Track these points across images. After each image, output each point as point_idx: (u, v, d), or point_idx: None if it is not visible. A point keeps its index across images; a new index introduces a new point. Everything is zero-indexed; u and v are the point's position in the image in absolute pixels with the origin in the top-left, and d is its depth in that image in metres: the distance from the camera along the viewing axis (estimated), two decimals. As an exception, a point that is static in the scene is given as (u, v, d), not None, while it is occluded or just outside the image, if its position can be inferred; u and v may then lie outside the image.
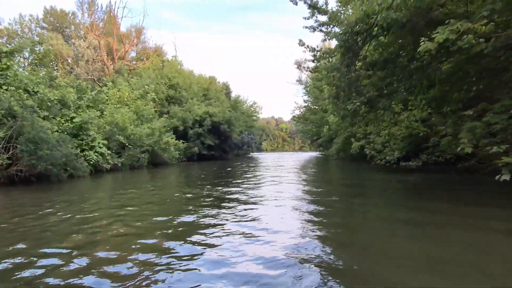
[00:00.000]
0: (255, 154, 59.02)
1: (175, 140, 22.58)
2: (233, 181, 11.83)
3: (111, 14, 39.36)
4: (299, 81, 51.76)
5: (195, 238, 4.27)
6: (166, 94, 31.21)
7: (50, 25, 46.09)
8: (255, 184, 10.59)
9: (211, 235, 4.37)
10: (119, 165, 16.96)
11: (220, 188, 9.61)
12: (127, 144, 18.42)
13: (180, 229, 4.82)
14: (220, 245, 3.94)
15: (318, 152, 60.77)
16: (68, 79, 20.91)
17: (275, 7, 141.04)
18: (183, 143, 22.84)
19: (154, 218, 5.61)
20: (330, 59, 20.78)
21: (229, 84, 52.32)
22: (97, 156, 15.15)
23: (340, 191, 9.14)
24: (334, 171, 18.71)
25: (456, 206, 6.23)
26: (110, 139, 17.22)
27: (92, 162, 14.77)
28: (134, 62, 42.48)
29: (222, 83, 50.95)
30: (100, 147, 15.66)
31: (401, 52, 7.29)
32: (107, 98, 18.99)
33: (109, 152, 16.21)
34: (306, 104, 45.06)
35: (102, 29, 41.92)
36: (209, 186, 10.06)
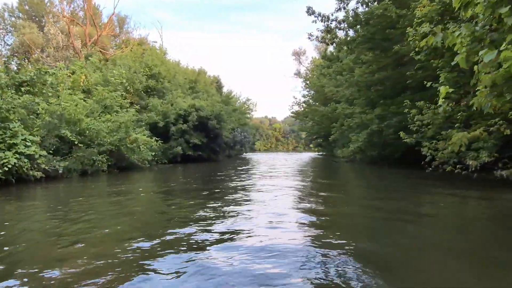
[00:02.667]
0: (248, 155, 53.87)
1: (148, 137, 17.55)
2: (213, 210, 7.08)
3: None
4: (298, 74, 47.20)
5: None
6: (145, 84, 26.00)
7: (25, 14, 41.36)
8: (246, 218, 5.85)
9: None
10: (60, 171, 11.97)
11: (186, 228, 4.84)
12: (76, 143, 13.44)
13: None
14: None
15: (316, 153, 55.80)
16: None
17: (274, 6, 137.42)
18: (157, 141, 17.78)
19: None
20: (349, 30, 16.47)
21: (221, 78, 47.34)
22: (18, 159, 10.17)
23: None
24: (369, 187, 14.00)
25: None
26: (49, 134, 12.26)
27: (8, 168, 9.80)
28: (112, 51, 37.29)
29: (213, 76, 45.92)
30: (27, 146, 10.67)
31: None
32: (50, 81, 13.89)
33: (43, 153, 11.24)
34: (305, 99, 40.55)
35: (83, 19, 37.28)
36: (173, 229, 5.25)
